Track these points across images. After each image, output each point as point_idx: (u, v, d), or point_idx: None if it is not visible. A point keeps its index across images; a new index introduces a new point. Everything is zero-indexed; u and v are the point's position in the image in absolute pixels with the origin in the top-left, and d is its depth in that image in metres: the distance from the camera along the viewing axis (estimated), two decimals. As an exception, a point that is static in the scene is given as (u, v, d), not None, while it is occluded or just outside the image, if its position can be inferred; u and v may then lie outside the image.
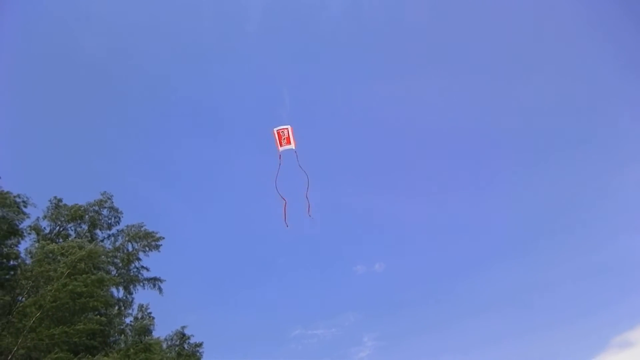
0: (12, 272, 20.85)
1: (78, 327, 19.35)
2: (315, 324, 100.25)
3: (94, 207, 34.40)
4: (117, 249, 35.05)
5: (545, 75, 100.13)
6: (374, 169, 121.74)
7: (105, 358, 20.43)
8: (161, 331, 36.83)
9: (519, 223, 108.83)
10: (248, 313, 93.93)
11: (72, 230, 32.56)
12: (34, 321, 18.58)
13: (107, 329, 27.11)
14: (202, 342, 36.91)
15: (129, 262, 35.51)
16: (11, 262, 21.09)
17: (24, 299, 20.41)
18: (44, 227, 30.95)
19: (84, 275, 21.42)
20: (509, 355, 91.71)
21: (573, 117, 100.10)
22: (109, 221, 35.01)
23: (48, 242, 26.54)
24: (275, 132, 17.07)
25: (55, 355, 17.84)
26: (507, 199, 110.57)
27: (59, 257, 23.74)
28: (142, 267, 36.42)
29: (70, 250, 24.71)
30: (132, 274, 35.57)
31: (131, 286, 35.36)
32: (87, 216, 33.49)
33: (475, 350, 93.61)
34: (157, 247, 36.72)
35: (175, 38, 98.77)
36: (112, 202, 35.18)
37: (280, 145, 16.92)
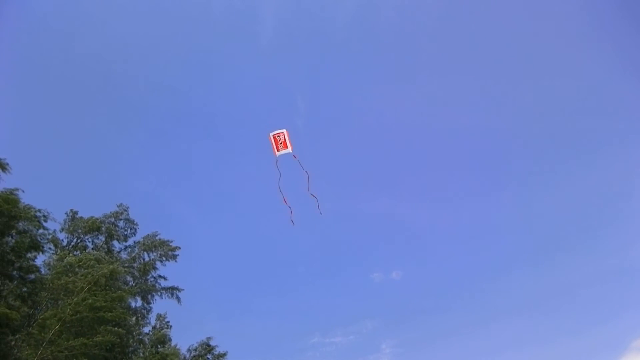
0: (32, 285, 21.07)
1: (96, 339, 19.48)
2: (333, 332, 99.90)
3: (110, 219, 34.69)
4: (133, 259, 35.27)
5: (566, 76, 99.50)
6: (390, 175, 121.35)
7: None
8: (181, 340, 36.96)
9: (538, 228, 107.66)
10: (266, 321, 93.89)
11: (89, 242, 32.87)
12: (53, 333, 18.73)
13: (125, 339, 27.28)
14: (226, 352, 36.99)
15: (146, 272, 35.71)
16: (31, 276, 21.31)
17: (42, 311, 20.61)
18: (62, 239, 31.32)
19: (103, 292, 21.55)
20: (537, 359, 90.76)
21: (594, 119, 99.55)
22: (125, 232, 35.27)
23: (66, 253, 26.84)
24: (272, 137, 16.81)
25: (75, 368, 18.01)
26: (526, 204, 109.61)
27: (77, 270, 23.99)
28: (160, 276, 36.61)
29: (88, 263, 24.97)
30: (149, 283, 35.76)
31: (149, 296, 35.53)
32: (103, 228, 33.77)
33: (495, 356, 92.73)
34: (174, 257, 36.91)
35: (192, 51, 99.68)
36: (128, 213, 35.49)
37: (277, 150, 16.67)
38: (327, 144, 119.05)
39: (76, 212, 33.34)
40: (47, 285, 21.32)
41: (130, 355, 26.97)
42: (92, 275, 21.70)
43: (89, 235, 32.95)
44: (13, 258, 20.35)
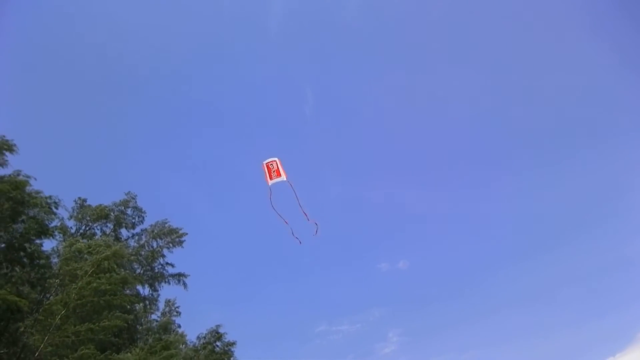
0: (41, 271, 21.08)
1: (103, 324, 19.46)
2: (339, 320, 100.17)
3: (119, 207, 34.79)
4: (141, 247, 35.39)
5: (569, 68, 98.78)
6: (397, 165, 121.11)
7: (129, 355, 20.55)
8: (188, 327, 37.08)
9: (545, 218, 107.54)
10: (273, 309, 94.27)
11: (97, 229, 32.96)
12: (60, 318, 18.71)
13: (133, 325, 27.34)
14: (235, 342, 37.04)
15: (154, 259, 35.84)
16: (40, 262, 21.32)
17: (51, 297, 20.60)
18: (70, 227, 31.37)
19: (107, 274, 21.54)
20: (536, 350, 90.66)
21: (599, 111, 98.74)
22: (133, 220, 35.39)
23: (75, 240, 26.82)
24: (265, 166, 16.84)
25: (82, 352, 17.96)
26: (533, 194, 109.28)
27: (85, 256, 23.97)
28: (167, 263, 36.82)
29: (97, 249, 24.94)
30: (156, 270, 35.89)
31: (156, 283, 35.66)
32: (112, 215, 33.85)
33: (502, 345, 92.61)
34: (181, 242, 37.03)
35: (200, 41, 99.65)
36: (136, 201, 35.61)
37: (270, 178, 16.58)
38: (335, 133, 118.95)
39: (84, 200, 33.44)
40: (56, 272, 21.29)
41: (137, 341, 27.00)
42: (96, 258, 21.62)
43: (97, 223, 33.05)
44: (22, 244, 20.33)
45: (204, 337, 36.20)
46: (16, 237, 19.69)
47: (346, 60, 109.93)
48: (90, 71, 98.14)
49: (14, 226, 19.91)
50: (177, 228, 37.12)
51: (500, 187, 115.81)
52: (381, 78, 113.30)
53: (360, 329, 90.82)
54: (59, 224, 28.43)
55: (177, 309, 36.17)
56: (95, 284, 20.15)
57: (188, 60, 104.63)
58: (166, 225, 37.09)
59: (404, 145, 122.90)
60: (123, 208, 34.96)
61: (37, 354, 18.14)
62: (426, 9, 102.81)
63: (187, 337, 34.58)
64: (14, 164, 19.85)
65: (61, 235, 28.16)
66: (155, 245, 36.44)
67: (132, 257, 32.72)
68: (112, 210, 34.12)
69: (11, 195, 18.87)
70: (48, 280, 20.95)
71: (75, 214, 32.35)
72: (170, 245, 36.74)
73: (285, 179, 16.57)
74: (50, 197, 20.62)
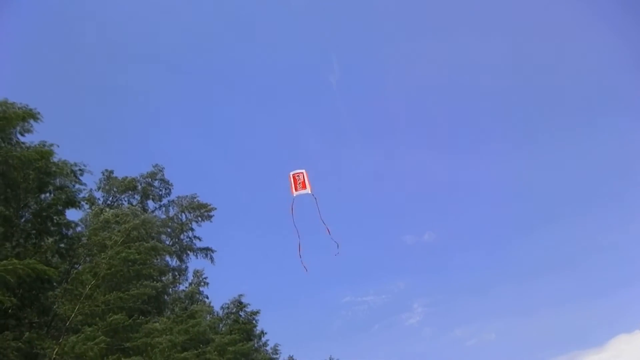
0: (69, 241, 21.05)
1: (132, 292, 19.44)
2: (365, 291, 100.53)
3: (146, 179, 34.82)
4: (170, 219, 35.49)
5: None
6: (424, 130, 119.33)
7: (156, 324, 20.56)
8: (215, 298, 37.23)
9: (573, 184, 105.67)
10: (298, 280, 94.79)
11: (124, 201, 33.08)
12: (89, 288, 18.69)
13: (161, 295, 27.40)
14: (259, 310, 37.21)
15: (182, 231, 35.95)
16: (69, 232, 21.29)
17: (80, 267, 20.60)
18: (98, 199, 31.47)
19: (137, 243, 21.49)
20: (563, 318, 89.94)
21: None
22: (160, 192, 35.46)
23: (102, 210, 26.89)
24: (291, 177, 16.49)
25: (111, 319, 17.96)
26: (560, 159, 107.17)
27: (113, 225, 23.97)
28: (195, 237, 36.89)
29: (125, 218, 24.94)
30: (184, 243, 36.01)
31: (184, 255, 35.80)
32: (139, 187, 33.89)
33: (526, 314, 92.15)
34: (209, 217, 37.07)
35: (225, 7, 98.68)
36: (163, 174, 35.62)
37: (296, 189, 16.25)
38: (361, 101, 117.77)
39: (111, 172, 33.47)
40: (84, 242, 21.27)
41: (165, 311, 27.09)
42: (125, 227, 21.57)
43: (124, 195, 33.15)
44: (50, 214, 20.26)
45: (227, 307, 36.40)
46: (44, 207, 19.56)
47: (373, 27, 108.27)
48: (115, 40, 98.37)
49: (42, 196, 19.78)
50: (206, 203, 37.14)
51: (528, 151, 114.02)
52: (409, 45, 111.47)
53: (385, 300, 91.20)
54: (87, 195, 28.52)
55: (205, 279, 36.33)
56: (124, 254, 20.09)
57: (213, 31, 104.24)
58: (195, 199, 37.13)
59: (431, 110, 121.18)
60: (150, 180, 35.02)
61: (67, 322, 18.15)
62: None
63: (213, 308, 34.74)
64: (40, 135, 19.64)
65: (89, 205, 28.26)
66: (184, 218, 36.56)
67: (161, 229, 32.81)
68: (139, 182, 34.18)
69: (37, 165, 18.68)
70: (77, 250, 20.90)
71: (102, 185, 32.45)
72: (199, 219, 36.86)
73: (309, 191, 16.35)
74: (75, 164, 20.36)
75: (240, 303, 36.77)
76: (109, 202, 32.09)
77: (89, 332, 16.95)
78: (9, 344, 14.73)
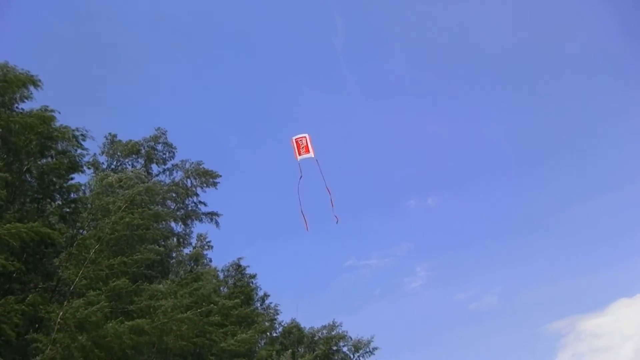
0: (73, 205, 21.00)
1: (136, 257, 19.43)
2: (368, 255, 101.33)
3: (149, 143, 34.62)
4: (175, 184, 35.40)
5: None
6: (431, 94, 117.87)
7: (160, 286, 20.64)
8: (219, 264, 37.47)
9: (577, 150, 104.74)
10: (301, 244, 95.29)
11: (128, 164, 32.89)
12: (94, 252, 18.69)
13: (165, 259, 27.52)
14: (256, 274, 37.55)
15: (187, 196, 35.91)
16: (72, 195, 21.20)
17: (84, 232, 20.59)
18: (102, 162, 31.38)
19: (140, 209, 21.44)
20: (564, 283, 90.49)
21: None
22: (164, 156, 35.28)
23: (106, 175, 26.77)
24: (294, 141, 16.80)
25: (114, 283, 18.00)
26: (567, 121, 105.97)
27: (117, 190, 23.90)
28: (200, 202, 36.87)
29: (128, 182, 24.85)
30: (189, 208, 36.02)
31: (189, 220, 35.83)
32: (143, 151, 33.74)
33: (531, 278, 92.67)
34: (215, 184, 36.97)
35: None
36: (167, 137, 35.40)
37: (299, 154, 16.64)
38: (366, 63, 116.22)
39: (115, 136, 33.28)
40: (88, 206, 21.20)
41: (169, 274, 27.23)
42: (129, 192, 21.50)
43: (128, 159, 32.99)
44: (53, 179, 20.16)
45: (227, 270, 36.67)
46: (46, 171, 19.43)
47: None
48: (115, 4, 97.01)
49: (44, 161, 19.64)
50: (212, 170, 36.98)
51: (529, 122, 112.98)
52: (413, 6, 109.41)
53: (388, 264, 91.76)
54: (91, 160, 28.40)
55: (208, 243, 36.47)
56: (128, 219, 20.05)
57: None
58: (201, 166, 36.96)
59: (436, 71, 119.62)
60: (153, 143, 34.82)
61: (72, 287, 18.20)
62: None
63: (217, 271, 34.94)
64: (40, 100, 19.34)
65: (92, 170, 28.16)
66: (189, 184, 36.48)
67: (166, 195, 32.76)
68: (143, 145, 34.00)
69: (39, 130, 18.46)
70: (80, 214, 20.85)
71: (106, 149, 32.31)
72: (204, 185, 36.74)
73: (312, 155, 16.61)
74: (77, 129, 20.13)
75: (239, 266, 37.00)
76: (112, 166, 31.95)
77: (92, 297, 16.97)
78: (12, 306, 14.73)
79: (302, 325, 42.50)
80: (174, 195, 34.54)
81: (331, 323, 45.53)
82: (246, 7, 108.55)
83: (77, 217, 20.87)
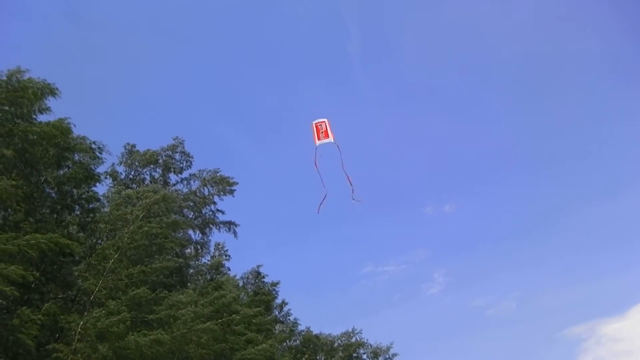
0: (92, 215, 20.87)
1: (155, 265, 19.25)
2: (386, 261, 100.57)
3: (167, 152, 34.57)
4: (193, 193, 35.30)
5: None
6: (448, 100, 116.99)
7: (181, 296, 20.38)
8: (237, 272, 37.20)
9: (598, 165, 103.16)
10: (320, 251, 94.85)
11: (146, 174, 32.90)
12: (112, 262, 18.52)
13: (184, 268, 27.31)
14: (279, 282, 37.06)
15: (204, 204, 35.76)
16: (91, 205, 21.06)
17: (102, 242, 20.45)
18: (120, 173, 31.32)
19: (158, 218, 21.30)
20: (583, 287, 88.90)
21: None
22: (181, 165, 35.19)
23: (124, 187, 26.72)
24: (314, 126, 16.57)
25: (133, 292, 17.77)
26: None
27: (135, 201, 23.84)
28: (218, 210, 36.70)
29: (146, 195, 24.76)
30: (207, 217, 35.84)
31: (206, 229, 35.65)
32: (160, 160, 33.67)
33: (550, 282, 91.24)
34: (232, 191, 36.81)
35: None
36: (184, 146, 35.32)
37: (318, 139, 16.35)
38: (382, 70, 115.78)
39: (134, 146, 33.24)
40: (106, 217, 21.07)
41: (188, 283, 27.03)
42: (147, 202, 21.34)
43: (146, 168, 32.96)
44: (71, 189, 20.06)
45: (247, 278, 36.35)
46: (63, 182, 19.27)
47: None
48: (132, 15, 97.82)
49: (61, 172, 19.49)
50: (228, 177, 36.82)
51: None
52: (426, 12, 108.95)
53: (406, 270, 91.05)
54: (109, 170, 28.33)
55: (226, 252, 36.26)
56: (146, 228, 19.90)
57: (231, 2, 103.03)
58: (218, 174, 36.83)
59: (452, 80, 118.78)
60: (171, 153, 34.78)
61: (92, 297, 18.01)
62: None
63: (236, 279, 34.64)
64: (61, 111, 19.16)
65: (111, 180, 28.11)
66: (206, 192, 36.37)
67: (183, 204, 32.63)
68: (160, 155, 33.93)
69: (57, 140, 18.30)
70: (99, 225, 20.70)
71: (124, 159, 32.27)
72: (222, 193, 36.61)
73: (332, 140, 16.35)
74: (94, 142, 19.98)
75: (259, 274, 36.65)
76: (131, 176, 31.94)
77: (112, 307, 16.74)
78: (29, 317, 14.50)
79: (321, 331, 42.28)
80: (191, 204, 34.46)
81: (350, 330, 45.19)
82: (261, 15, 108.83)
83: (96, 227, 20.72)
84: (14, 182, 15.79)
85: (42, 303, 16.86)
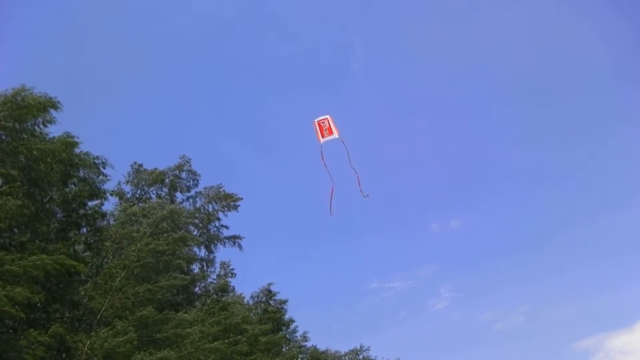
0: (98, 234, 20.44)
1: (161, 284, 18.83)
2: (392, 277, 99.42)
3: (174, 171, 34.29)
4: (197, 210, 34.99)
5: None
6: (453, 115, 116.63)
7: (186, 315, 19.89)
8: (244, 287, 36.66)
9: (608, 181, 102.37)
10: (326, 267, 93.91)
11: (153, 193, 32.52)
12: (119, 280, 18.14)
13: (191, 287, 26.88)
14: (287, 300, 36.45)
15: (209, 221, 35.45)
16: (97, 224, 20.65)
17: (109, 260, 20.05)
18: (127, 192, 31.01)
19: (165, 234, 20.94)
20: (591, 300, 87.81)
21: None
22: (188, 184, 34.91)
23: (130, 205, 26.37)
24: (316, 124, 16.24)
25: (140, 313, 17.32)
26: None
27: (141, 219, 23.47)
28: (222, 226, 36.40)
29: (152, 212, 24.38)
30: (212, 233, 35.50)
31: (212, 245, 35.29)
32: (167, 180, 33.38)
33: (557, 296, 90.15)
34: (236, 207, 36.52)
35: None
36: (191, 165, 35.00)
37: (322, 136, 15.98)
38: (386, 85, 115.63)
39: (141, 165, 32.92)
40: (112, 236, 20.67)
41: (194, 302, 26.59)
42: (153, 219, 20.97)
43: (152, 187, 32.61)
44: (77, 207, 19.65)
45: (257, 296, 35.77)
46: (68, 200, 18.87)
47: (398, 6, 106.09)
48: (141, 25, 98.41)
49: (66, 189, 19.10)
50: (232, 193, 36.55)
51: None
52: (437, 25, 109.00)
53: (412, 286, 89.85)
54: (116, 188, 27.99)
55: (232, 270, 35.81)
56: (152, 245, 19.55)
57: (233, 18, 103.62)
58: (221, 190, 36.56)
59: (456, 87, 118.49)
60: (178, 172, 34.48)
61: (98, 316, 17.59)
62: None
63: (244, 299, 34.14)
64: (66, 129, 18.81)
65: (117, 199, 27.77)
66: (210, 209, 36.07)
67: (188, 220, 32.26)
68: (167, 174, 33.64)
69: (62, 157, 17.95)
70: (105, 243, 20.28)
71: (131, 178, 31.97)
72: (226, 209, 36.33)
73: (337, 136, 15.93)
74: (97, 157, 19.59)
75: (270, 292, 36.07)
76: (137, 195, 31.60)
77: (119, 327, 16.31)
78: (35, 338, 14.05)
79: (327, 348, 41.60)
80: (196, 221, 34.13)
81: (358, 347, 44.49)
82: (265, 31, 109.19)
83: (102, 246, 20.30)
84: (19, 202, 15.42)
85: (49, 322, 16.42)
